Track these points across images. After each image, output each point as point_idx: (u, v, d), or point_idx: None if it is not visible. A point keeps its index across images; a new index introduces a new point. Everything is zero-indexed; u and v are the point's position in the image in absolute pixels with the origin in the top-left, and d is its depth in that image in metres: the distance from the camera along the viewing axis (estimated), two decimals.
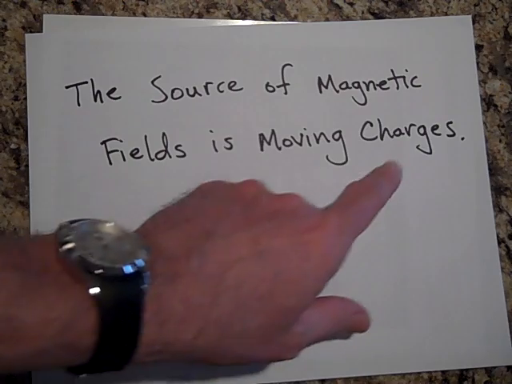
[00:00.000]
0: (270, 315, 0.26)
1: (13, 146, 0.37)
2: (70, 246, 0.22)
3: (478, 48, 0.39)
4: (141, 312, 0.22)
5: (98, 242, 0.23)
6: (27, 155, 0.36)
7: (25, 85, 0.37)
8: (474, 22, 0.39)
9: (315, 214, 0.28)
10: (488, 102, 0.39)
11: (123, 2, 0.38)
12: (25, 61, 0.37)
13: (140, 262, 0.23)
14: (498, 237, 0.37)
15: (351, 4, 0.39)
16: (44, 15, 0.37)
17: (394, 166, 0.34)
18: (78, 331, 0.21)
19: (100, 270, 0.22)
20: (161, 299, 0.23)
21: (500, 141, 0.39)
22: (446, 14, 0.39)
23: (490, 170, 0.38)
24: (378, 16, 0.39)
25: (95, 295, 0.21)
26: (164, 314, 0.23)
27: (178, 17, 0.38)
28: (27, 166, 0.36)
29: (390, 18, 0.39)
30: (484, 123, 0.38)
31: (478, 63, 0.39)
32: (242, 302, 0.25)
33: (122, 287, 0.22)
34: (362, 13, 0.39)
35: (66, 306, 0.21)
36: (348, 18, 0.39)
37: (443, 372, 0.36)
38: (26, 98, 0.37)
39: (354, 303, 0.32)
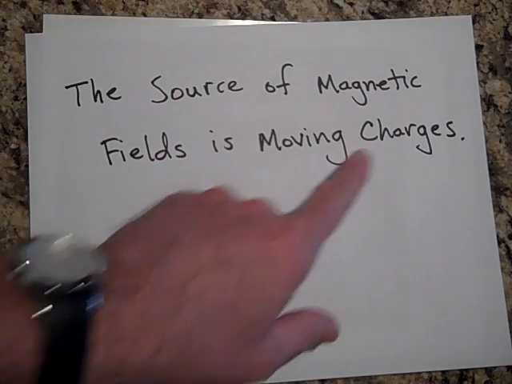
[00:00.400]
0: (234, 327, 0.24)
1: (13, 146, 0.37)
2: (19, 268, 0.22)
3: (478, 48, 0.39)
4: (88, 331, 0.21)
5: (50, 260, 0.23)
6: (27, 155, 0.36)
7: (25, 85, 0.37)
8: (473, 22, 0.39)
9: (281, 218, 0.28)
10: (488, 102, 0.39)
11: (123, 1, 0.38)
12: (25, 61, 0.37)
13: (93, 278, 0.22)
14: (497, 237, 0.37)
15: (351, 4, 0.39)
16: (44, 15, 0.37)
17: (362, 157, 0.34)
18: (18, 353, 0.20)
19: (49, 290, 0.21)
20: (115, 316, 0.22)
21: (500, 141, 0.39)
22: (446, 14, 0.39)
23: (489, 169, 0.38)
24: (377, 16, 0.39)
25: (41, 315, 0.21)
26: (118, 331, 0.22)
27: (177, 17, 0.38)
28: (27, 165, 0.36)
29: (389, 18, 0.39)
30: (484, 123, 0.38)
31: (478, 63, 0.39)
32: (203, 313, 0.24)
33: (70, 306, 0.21)
34: (362, 13, 0.39)
35: (7, 327, 0.20)
36: (348, 18, 0.39)
37: (443, 372, 0.36)
38: (26, 98, 0.37)
39: (323, 314, 0.31)
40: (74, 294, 0.22)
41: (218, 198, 0.28)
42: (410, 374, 0.36)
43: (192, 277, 0.24)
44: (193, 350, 0.24)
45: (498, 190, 0.38)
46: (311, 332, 0.30)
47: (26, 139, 0.36)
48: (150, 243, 0.25)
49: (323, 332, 0.31)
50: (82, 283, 0.22)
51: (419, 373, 0.36)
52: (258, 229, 0.26)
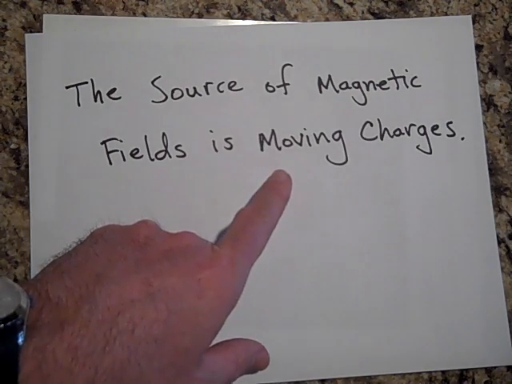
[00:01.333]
0: (166, 357, 0.25)
1: (13, 146, 0.37)
2: None
3: (478, 48, 0.39)
4: (17, 367, 0.21)
5: None
6: (27, 155, 0.36)
7: (25, 85, 0.37)
8: (473, 22, 0.39)
9: (207, 249, 0.28)
10: (488, 102, 0.39)
11: (123, 1, 0.38)
12: (25, 61, 0.37)
13: (17, 316, 0.22)
14: (498, 237, 0.37)
15: (351, 4, 0.39)
16: (44, 15, 0.37)
17: (282, 176, 0.35)
18: None
19: None
20: (45, 351, 0.22)
21: (500, 141, 0.39)
22: (446, 14, 0.39)
23: (490, 169, 0.38)
24: (377, 16, 0.39)
25: None
26: (48, 366, 0.22)
27: (177, 17, 0.38)
28: (27, 166, 0.36)
29: (389, 18, 0.39)
30: (484, 123, 0.38)
31: (478, 63, 0.39)
32: (136, 346, 0.24)
33: None
34: (362, 13, 0.39)
35: None
36: (348, 18, 0.39)
37: (443, 372, 0.36)
38: (26, 98, 0.37)
39: (254, 342, 0.32)
40: (1, 330, 0.22)
41: (145, 232, 0.28)
42: (410, 373, 0.36)
43: (121, 311, 0.24)
44: (126, 381, 0.24)
45: (498, 190, 0.38)
46: (243, 360, 0.30)
47: (25, 139, 0.36)
48: (77, 279, 0.25)
49: (257, 359, 0.32)
50: (9, 320, 0.22)
51: (419, 373, 0.36)
52: (185, 261, 0.27)
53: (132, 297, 0.25)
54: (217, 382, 0.29)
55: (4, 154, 0.37)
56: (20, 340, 0.22)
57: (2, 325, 0.22)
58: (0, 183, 0.36)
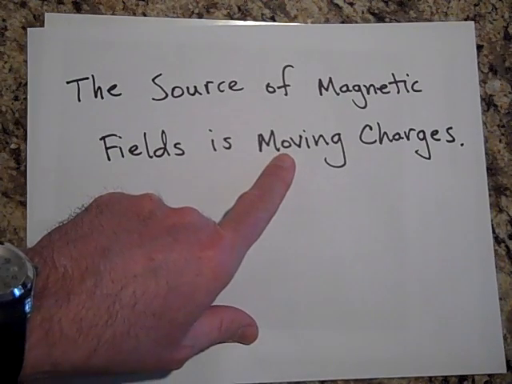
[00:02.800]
0: (162, 330, 0.26)
1: (13, 146, 0.37)
2: None
3: (478, 48, 0.39)
4: (24, 336, 0.22)
5: None
6: (27, 155, 0.36)
7: (25, 85, 0.37)
8: (474, 22, 0.39)
9: (210, 228, 0.29)
10: (488, 102, 0.39)
11: (123, 1, 0.38)
12: (25, 61, 0.37)
13: (25, 286, 0.23)
14: (498, 237, 0.38)
15: (351, 4, 0.39)
16: (46, 14, 0.37)
17: (286, 162, 0.36)
18: None
19: None
20: (51, 321, 0.23)
21: (500, 141, 0.39)
22: (446, 14, 0.39)
23: (489, 170, 0.38)
24: (377, 16, 0.39)
25: None
26: (54, 335, 0.23)
27: (177, 17, 0.38)
28: (27, 166, 0.36)
29: (389, 18, 0.39)
30: (484, 123, 0.38)
31: (478, 63, 0.39)
32: (136, 319, 0.25)
33: (5, 312, 0.22)
34: (362, 13, 0.39)
35: None
36: (348, 18, 0.39)
37: None
38: (26, 98, 0.37)
39: (246, 316, 0.34)
40: (9, 301, 0.22)
41: (150, 206, 0.29)
42: None
43: (124, 285, 0.25)
44: (124, 350, 0.25)
45: (498, 190, 0.38)
46: (226, 328, 0.32)
47: (25, 139, 0.36)
48: (82, 251, 0.26)
49: (244, 333, 0.34)
50: (16, 290, 0.22)
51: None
52: (188, 238, 0.28)
53: (135, 271, 0.25)
54: (199, 345, 0.30)
55: (4, 154, 0.37)
56: (27, 308, 0.23)
57: (11, 296, 0.22)
58: (0, 183, 0.36)
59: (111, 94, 0.37)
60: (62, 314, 0.23)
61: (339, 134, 0.37)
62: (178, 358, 0.29)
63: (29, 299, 0.23)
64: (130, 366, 0.27)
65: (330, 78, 0.38)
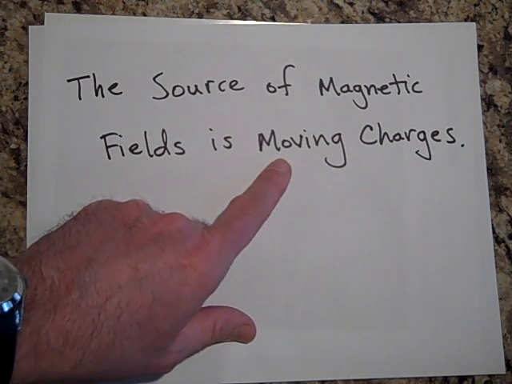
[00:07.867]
0: (147, 339, 0.26)
1: (13, 146, 0.37)
2: None
3: (478, 48, 0.39)
4: (14, 349, 0.22)
5: None
6: (27, 155, 0.36)
7: (25, 85, 0.37)
8: (473, 22, 0.39)
9: (197, 235, 0.29)
10: (488, 102, 0.39)
11: (123, 1, 0.38)
12: (25, 61, 0.37)
13: (15, 300, 0.23)
14: (498, 237, 0.38)
15: (351, 4, 0.39)
16: (46, 13, 0.37)
17: (283, 168, 0.36)
18: None
19: None
20: (39, 333, 0.23)
21: (500, 141, 0.39)
22: (446, 14, 0.39)
23: (490, 170, 0.38)
24: (377, 16, 0.39)
25: None
26: (42, 348, 0.23)
27: (178, 17, 0.38)
28: (27, 165, 0.36)
29: (389, 18, 0.39)
30: (484, 123, 0.38)
31: (478, 63, 0.39)
32: (121, 330, 0.25)
33: None
34: (362, 13, 0.39)
35: None
36: (348, 18, 0.39)
37: None
38: (26, 98, 0.37)
39: (242, 315, 0.34)
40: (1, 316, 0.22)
41: (137, 213, 0.29)
42: None
43: (109, 297, 0.25)
44: (110, 360, 0.25)
45: (498, 190, 0.38)
46: (220, 329, 0.32)
47: (25, 139, 0.36)
48: (69, 262, 0.26)
49: (240, 332, 0.34)
50: (5, 305, 0.23)
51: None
52: (174, 246, 0.28)
53: (120, 282, 0.26)
54: (189, 349, 0.31)
55: (4, 154, 0.37)
56: (17, 320, 0.23)
57: (1, 311, 0.23)
58: (0, 183, 0.36)
59: (112, 93, 0.37)
60: (49, 327, 0.24)
61: (340, 134, 0.37)
62: (166, 364, 0.29)
63: (19, 311, 0.23)
64: (117, 374, 0.27)
65: (331, 78, 0.38)
